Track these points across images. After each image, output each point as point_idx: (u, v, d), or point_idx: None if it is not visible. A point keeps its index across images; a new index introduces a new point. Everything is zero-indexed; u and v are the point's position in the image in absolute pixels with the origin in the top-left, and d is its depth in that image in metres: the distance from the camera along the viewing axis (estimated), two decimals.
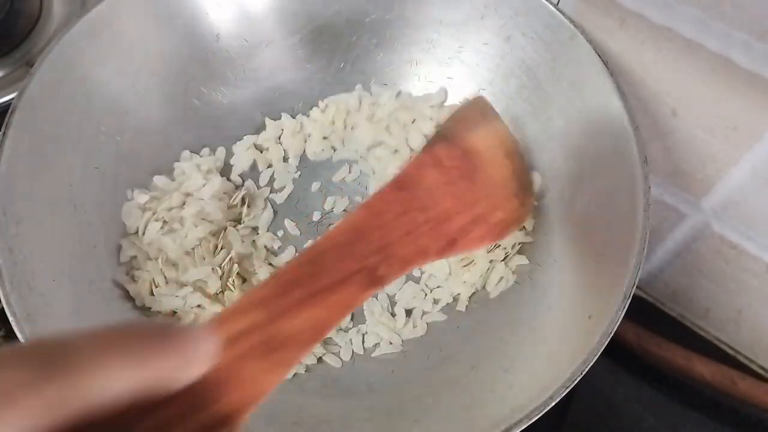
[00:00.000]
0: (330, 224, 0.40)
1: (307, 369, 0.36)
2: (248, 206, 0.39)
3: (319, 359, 0.36)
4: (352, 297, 0.25)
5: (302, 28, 0.41)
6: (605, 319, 0.29)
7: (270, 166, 0.41)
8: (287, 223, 0.39)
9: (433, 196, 0.29)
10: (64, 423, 0.14)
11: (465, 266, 0.37)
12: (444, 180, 0.30)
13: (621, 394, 0.41)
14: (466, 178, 0.31)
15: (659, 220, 0.40)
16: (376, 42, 0.41)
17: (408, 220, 0.28)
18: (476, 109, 0.35)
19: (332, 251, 0.25)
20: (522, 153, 0.36)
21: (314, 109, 0.42)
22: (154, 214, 0.37)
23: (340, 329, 0.37)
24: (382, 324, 0.36)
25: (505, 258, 0.37)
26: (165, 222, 0.37)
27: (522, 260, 0.36)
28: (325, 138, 0.41)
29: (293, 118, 0.42)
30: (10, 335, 0.34)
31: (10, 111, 0.33)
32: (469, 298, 0.37)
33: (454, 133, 0.32)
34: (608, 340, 0.29)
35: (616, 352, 0.36)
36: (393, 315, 0.37)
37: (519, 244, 0.37)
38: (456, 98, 0.41)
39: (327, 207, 0.40)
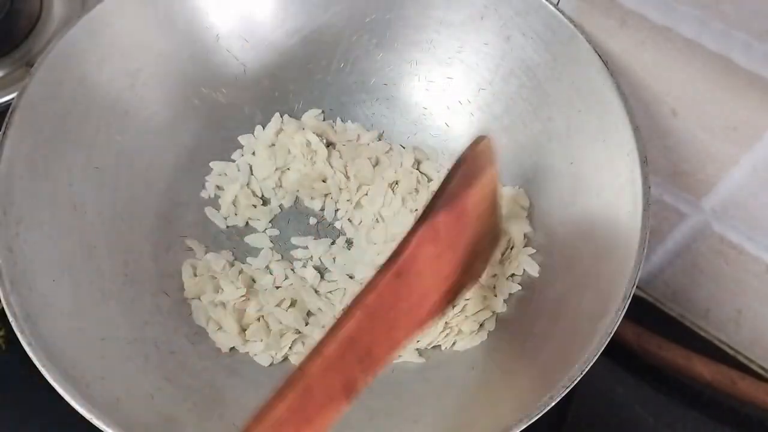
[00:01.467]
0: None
1: None
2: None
3: None
4: (331, 420, 0.23)
5: (302, 28, 0.41)
6: (605, 319, 0.29)
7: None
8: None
9: (421, 276, 0.25)
10: None
11: None
12: (435, 253, 0.26)
13: (621, 394, 0.41)
14: (453, 247, 0.27)
15: (659, 220, 0.40)
16: (376, 42, 0.41)
17: (394, 313, 0.25)
18: (480, 157, 0.28)
19: (321, 372, 0.23)
20: (499, 200, 0.31)
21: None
22: None
23: None
24: None
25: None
26: None
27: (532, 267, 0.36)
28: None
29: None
30: (11, 335, 0.34)
31: (10, 111, 0.33)
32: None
33: (455, 192, 0.27)
34: (608, 340, 0.29)
35: (616, 352, 0.36)
36: None
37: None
38: (456, 97, 0.41)
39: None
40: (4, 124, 0.32)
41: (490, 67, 0.39)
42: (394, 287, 0.24)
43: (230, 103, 0.42)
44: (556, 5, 0.36)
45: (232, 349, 0.36)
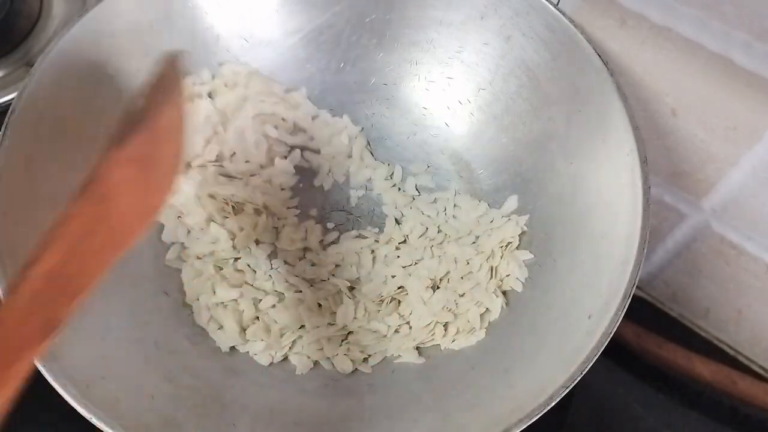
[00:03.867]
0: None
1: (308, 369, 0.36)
2: None
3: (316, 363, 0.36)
4: (29, 364, 0.22)
5: (302, 28, 0.41)
6: (605, 319, 0.29)
7: None
8: None
9: (120, 197, 0.25)
10: None
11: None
12: (133, 174, 0.25)
13: (621, 394, 0.41)
14: (149, 165, 0.26)
15: (659, 220, 0.40)
16: (376, 42, 0.41)
17: (95, 237, 0.24)
18: (171, 73, 0.29)
19: (15, 318, 0.22)
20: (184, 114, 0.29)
21: None
22: None
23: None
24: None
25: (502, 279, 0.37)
26: None
27: (526, 254, 0.37)
28: None
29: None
30: None
31: (10, 111, 0.33)
32: None
33: (150, 110, 0.27)
34: (608, 340, 0.29)
35: (616, 352, 0.36)
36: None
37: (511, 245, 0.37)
38: (456, 97, 0.41)
39: None
40: (4, 124, 0.32)
41: (490, 67, 0.39)
42: (92, 213, 0.24)
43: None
44: (556, 5, 0.36)
45: (232, 348, 0.36)
